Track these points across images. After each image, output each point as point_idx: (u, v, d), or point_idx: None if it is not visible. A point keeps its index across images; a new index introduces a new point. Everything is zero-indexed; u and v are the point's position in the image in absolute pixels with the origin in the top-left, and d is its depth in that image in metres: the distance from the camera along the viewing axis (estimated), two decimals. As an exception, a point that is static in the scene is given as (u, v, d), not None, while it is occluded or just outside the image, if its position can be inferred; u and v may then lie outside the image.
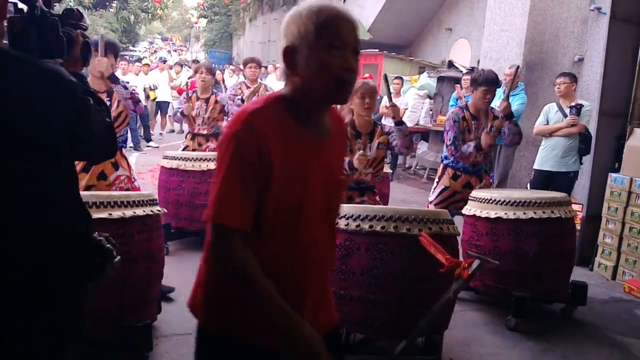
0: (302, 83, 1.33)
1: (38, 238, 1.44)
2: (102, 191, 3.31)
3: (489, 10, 7.75)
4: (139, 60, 14.54)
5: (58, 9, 1.78)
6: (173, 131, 13.10)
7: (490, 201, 3.61)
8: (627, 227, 4.62)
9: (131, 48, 30.68)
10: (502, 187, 6.22)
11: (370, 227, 2.65)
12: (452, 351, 3.10)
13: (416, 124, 9.56)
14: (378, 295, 2.64)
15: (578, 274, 4.32)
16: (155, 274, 2.94)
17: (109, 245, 1.69)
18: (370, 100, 3.43)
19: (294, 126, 1.35)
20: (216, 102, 5.33)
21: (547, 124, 5.14)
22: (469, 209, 3.75)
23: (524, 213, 3.49)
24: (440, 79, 9.28)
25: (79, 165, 3.23)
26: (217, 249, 1.31)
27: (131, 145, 9.73)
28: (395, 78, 9.29)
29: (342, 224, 2.69)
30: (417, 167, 9.76)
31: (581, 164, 5.06)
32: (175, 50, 36.77)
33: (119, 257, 1.71)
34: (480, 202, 3.67)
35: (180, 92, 11.38)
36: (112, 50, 3.37)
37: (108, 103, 3.38)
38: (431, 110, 9.49)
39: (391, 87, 8.58)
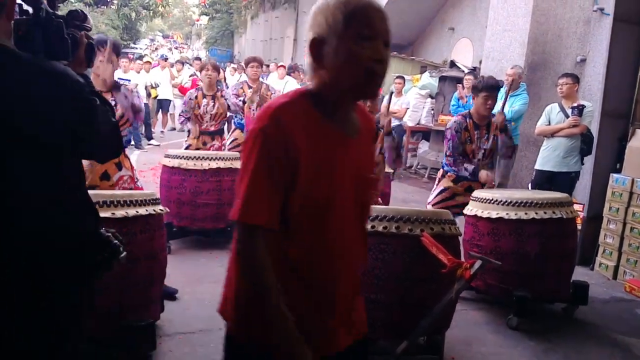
0: (330, 76, 1.29)
1: (37, 236, 1.45)
2: (105, 190, 3.32)
3: (492, 10, 7.74)
4: (140, 57, 14.51)
5: (60, 7, 1.78)
6: (174, 129, 13.10)
7: (492, 201, 3.61)
8: (628, 227, 4.63)
9: (132, 45, 30.64)
10: (503, 187, 6.22)
11: (372, 227, 2.66)
12: (453, 350, 3.11)
13: (418, 124, 9.57)
14: (380, 296, 2.65)
15: (579, 273, 4.33)
16: (158, 273, 2.95)
17: (115, 241, 1.70)
18: (372, 104, 3.44)
19: (321, 121, 1.31)
20: (222, 96, 5.43)
21: (549, 124, 5.14)
22: (471, 209, 3.75)
23: (526, 213, 3.50)
24: (442, 79, 9.28)
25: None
26: (242, 246, 1.27)
27: (132, 143, 9.73)
28: (397, 77, 9.28)
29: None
30: (418, 167, 9.76)
31: (583, 164, 5.07)
32: (176, 48, 36.82)
33: (125, 253, 1.72)
34: (482, 202, 3.68)
35: (181, 89, 11.42)
36: (115, 50, 3.37)
37: (113, 103, 3.37)
38: (433, 109, 9.48)
39: (392, 87, 8.62)
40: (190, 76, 12.74)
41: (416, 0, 12.51)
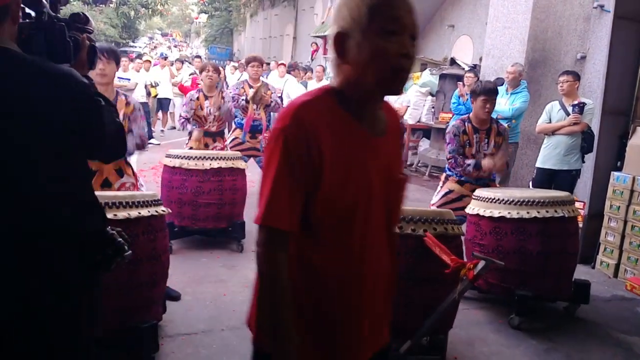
0: (354, 72, 1.23)
1: (36, 236, 1.45)
2: (107, 192, 3.31)
3: (492, 7, 7.73)
4: (140, 56, 14.49)
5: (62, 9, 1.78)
6: (174, 128, 13.09)
7: (494, 200, 3.61)
8: (629, 225, 4.63)
9: (131, 44, 30.63)
10: (505, 185, 6.22)
11: (375, 227, 2.65)
12: (456, 350, 3.11)
13: (418, 121, 9.57)
14: (383, 296, 2.65)
15: (580, 271, 4.33)
16: (160, 274, 2.95)
17: (120, 239, 1.70)
18: None
19: (346, 120, 1.25)
20: (223, 98, 5.40)
21: (550, 122, 5.14)
22: (473, 207, 3.76)
23: (528, 212, 3.50)
24: (443, 76, 9.26)
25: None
26: (262, 250, 1.23)
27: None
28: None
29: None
30: (419, 165, 9.76)
31: (583, 162, 5.07)
32: (175, 46, 36.79)
33: (130, 252, 1.73)
34: (484, 201, 3.68)
35: (181, 88, 11.39)
36: (113, 57, 3.33)
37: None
38: (433, 107, 9.47)
39: None
40: (190, 75, 12.71)
41: (416, -2, 12.48)
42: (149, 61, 12.52)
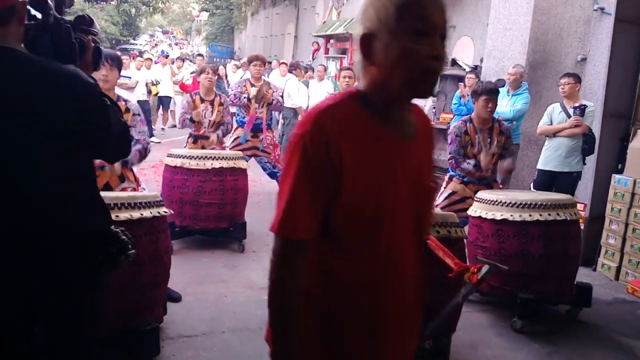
0: (381, 74, 1.18)
1: (37, 237, 1.45)
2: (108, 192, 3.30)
3: (493, 8, 7.72)
4: (140, 54, 14.47)
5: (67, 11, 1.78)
6: (175, 126, 13.07)
7: (496, 203, 3.61)
8: (630, 228, 4.63)
9: (132, 41, 30.62)
10: (506, 186, 6.22)
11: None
12: (459, 354, 3.11)
13: (419, 121, 9.56)
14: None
15: (581, 274, 4.32)
16: (162, 275, 2.94)
17: (124, 237, 1.70)
18: None
19: (370, 124, 1.20)
20: (220, 104, 5.32)
21: (551, 124, 5.14)
22: (475, 210, 3.75)
23: (530, 215, 3.50)
24: (444, 77, 9.21)
25: None
26: (277, 260, 1.19)
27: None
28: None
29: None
30: (419, 165, 9.76)
31: (584, 164, 5.06)
32: (176, 44, 36.77)
33: (134, 251, 1.72)
34: (486, 203, 3.67)
35: (182, 86, 11.37)
36: (116, 64, 3.32)
37: None
38: (434, 108, 9.46)
39: None
40: (191, 73, 12.69)
41: (417, -2, 12.46)
42: (150, 59, 12.51)
